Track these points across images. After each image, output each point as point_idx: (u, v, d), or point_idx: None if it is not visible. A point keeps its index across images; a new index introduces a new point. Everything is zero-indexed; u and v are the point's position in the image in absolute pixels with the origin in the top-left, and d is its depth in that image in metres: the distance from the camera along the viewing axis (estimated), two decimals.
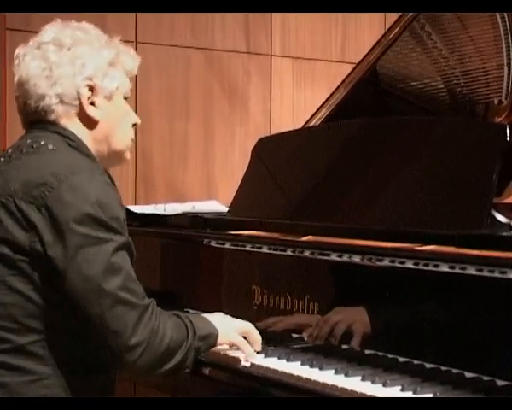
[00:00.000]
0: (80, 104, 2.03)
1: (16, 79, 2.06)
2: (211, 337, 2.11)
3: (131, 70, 2.13)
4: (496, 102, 2.80)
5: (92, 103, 2.05)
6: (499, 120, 2.79)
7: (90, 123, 2.05)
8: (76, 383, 1.97)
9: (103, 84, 2.05)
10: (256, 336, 2.20)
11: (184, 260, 2.76)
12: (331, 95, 2.90)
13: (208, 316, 2.17)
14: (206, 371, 2.21)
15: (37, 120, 2.05)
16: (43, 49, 2.03)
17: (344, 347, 2.16)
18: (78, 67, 2.02)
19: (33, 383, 1.92)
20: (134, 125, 2.16)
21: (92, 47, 2.05)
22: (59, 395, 1.94)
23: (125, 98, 2.13)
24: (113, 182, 2.03)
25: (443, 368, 1.93)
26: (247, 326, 2.21)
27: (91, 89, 2.04)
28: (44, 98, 2.02)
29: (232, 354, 2.20)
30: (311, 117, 2.92)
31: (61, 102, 2.02)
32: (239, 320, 2.22)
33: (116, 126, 2.10)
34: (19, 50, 2.08)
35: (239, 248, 2.51)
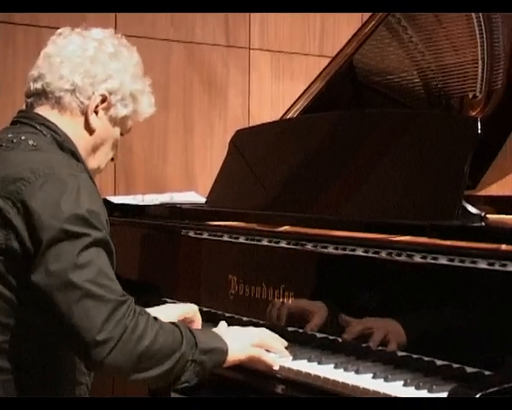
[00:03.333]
0: (87, 106, 2.03)
1: (46, 50, 2.05)
2: (217, 352, 1.98)
3: (141, 114, 2.12)
4: (470, 96, 2.83)
5: (96, 113, 2.04)
6: (474, 113, 2.81)
7: (86, 128, 2.04)
8: (50, 383, 1.95)
9: (116, 105, 2.05)
10: (276, 346, 2.09)
11: (162, 250, 2.76)
12: (308, 87, 2.91)
13: (218, 331, 2.06)
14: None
15: (34, 103, 2.04)
16: (85, 42, 2.04)
17: (318, 335, 2.18)
18: (106, 76, 2.03)
19: (6, 383, 1.89)
20: (112, 159, 2.16)
21: (127, 69, 2.05)
22: (31, 395, 1.91)
23: (121, 134, 2.12)
24: (93, 182, 2.00)
25: (414, 356, 1.95)
26: (264, 338, 2.08)
27: (104, 100, 2.04)
28: (62, 79, 2.01)
29: None
30: (289, 109, 2.92)
31: (73, 92, 2.01)
32: (253, 331, 2.10)
33: (103, 146, 2.08)
34: (63, 30, 2.08)
35: (216, 238, 2.52)
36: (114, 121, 2.08)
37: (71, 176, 1.89)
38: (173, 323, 1.97)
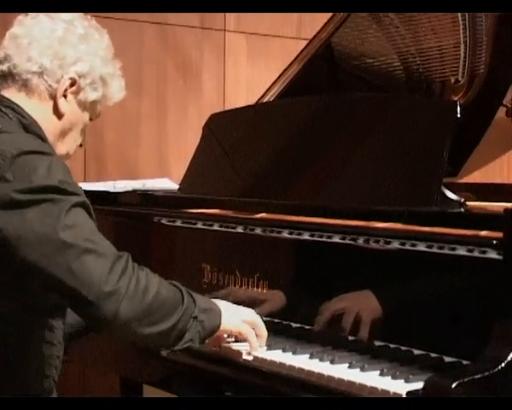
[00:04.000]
0: (56, 89, 2.03)
1: (12, 30, 2.05)
2: (214, 313, 2.01)
3: (111, 98, 2.13)
4: (452, 80, 2.84)
5: (65, 96, 2.04)
6: (456, 98, 2.83)
7: (55, 112, 2.05)
8: (19, 376, 1.95)
9: (85, 89, 2.06)
10: (263, 330, 2.10)
11: (134, 239, 2.76)
12: (285, 70, 2.91)
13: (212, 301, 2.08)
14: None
15: None
16: (54, 23, 2.04)
17: (294, 325, 2.20)
18: (75, 58, 2.03)
19: None
20: (80, 145, 2.17)
21: (97, 52, 2.06)
22: None
23: (90, 119, 2.13)
24: None
25: (392, 346, 1.97)
26: (256, 317, 2.11)
27: (73, 84, 2.04)
28: (30, 61, 2.00)
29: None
30: (265, 93, 2.93)
31: (41, 75, 2.01)
32: (246, 309, 2.13)
33: (72, 131, 2.09)
34: (30, 13, 2.08)
35: (190, 225, 2.53)
36: (84, 106, 2.09)
37: (41, 155, 1.90)
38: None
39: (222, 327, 2.03)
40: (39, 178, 1.86)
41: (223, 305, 2.07)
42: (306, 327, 2.16)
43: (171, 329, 1.92)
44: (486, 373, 1.67)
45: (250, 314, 2.11)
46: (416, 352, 1.92)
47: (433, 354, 1.89)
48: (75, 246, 1.83)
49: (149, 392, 2.83)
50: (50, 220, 1.83)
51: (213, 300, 2.08)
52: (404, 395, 1.73)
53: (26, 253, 1.83)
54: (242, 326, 2.07)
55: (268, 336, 2.15)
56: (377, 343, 2.00)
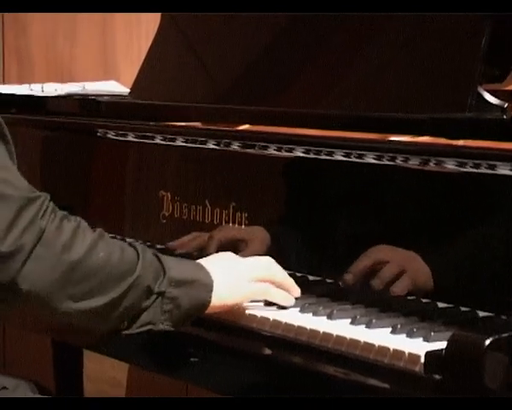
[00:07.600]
0: None
1: None
2: (198, 287, 1.96)
3: None
4: None
5: None
6: None
7: None
8: None
9: None
10: (287, 280, 2.11)
11: (70, 159, 2.80)
12: None
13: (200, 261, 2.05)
14: None
15: None
16: None
17: None
18: None
19: None
20: None
21: None
22: None
23: None
24: None
25: (409, 298, 2.03)
26: (269, 266, 2.09)
27: None
28: None
29: None
30: None
31: None
32: (254, 261, 2.11)
33: None
34: None
35: (144, 140, 2.57)
36: None
37: None
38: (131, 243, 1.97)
39: (213, 304, 1.99)
40: None
41: (217, 266, 2.03)
42: (297, 274, 2.21)
43: (116, 303, 1.88)
44: None
45: (260, 267, 2.08)
46: (441, 305, 1.98)
47: (463, 308, 1.94)
48: None
49: (92, 359, 2.90)
50: None
51: (203, 261, 2.06)
52: (423, 357, 1.78)
53: None
54: (251, 289, 2.06)
55: None
56: (388, 295, 2.05)
